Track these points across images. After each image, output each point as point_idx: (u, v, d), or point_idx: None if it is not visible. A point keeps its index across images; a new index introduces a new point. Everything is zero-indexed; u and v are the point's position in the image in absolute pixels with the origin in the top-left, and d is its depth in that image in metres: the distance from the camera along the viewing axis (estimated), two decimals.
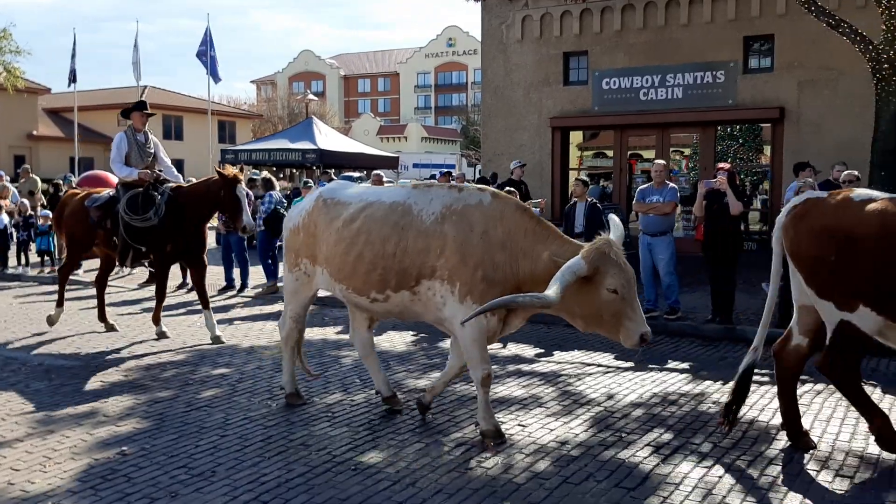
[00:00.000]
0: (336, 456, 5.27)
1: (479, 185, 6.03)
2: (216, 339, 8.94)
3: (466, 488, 4.72)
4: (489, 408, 5.60)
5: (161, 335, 9.10)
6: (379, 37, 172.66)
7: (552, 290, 4.77)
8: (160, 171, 9.23)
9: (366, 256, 5.62)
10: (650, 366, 7.97)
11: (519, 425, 5.98)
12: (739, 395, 5.59)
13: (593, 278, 4.91)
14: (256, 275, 13.54)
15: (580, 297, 4.98)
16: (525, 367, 7.84)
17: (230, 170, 8.80)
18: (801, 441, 5.43)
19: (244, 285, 13.19)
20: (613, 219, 5.75)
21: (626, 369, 7.85)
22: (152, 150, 9.27)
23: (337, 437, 5.65)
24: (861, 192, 5.36)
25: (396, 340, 9.35)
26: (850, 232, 5.02)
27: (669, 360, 8.34)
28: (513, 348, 8.87)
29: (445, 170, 24.98)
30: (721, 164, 10.80)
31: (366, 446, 5.48)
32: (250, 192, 11.59)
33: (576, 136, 20.08)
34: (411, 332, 9.68)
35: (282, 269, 6.85)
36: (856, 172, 11.58)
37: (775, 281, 5.59)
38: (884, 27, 11.69)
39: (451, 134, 78.51)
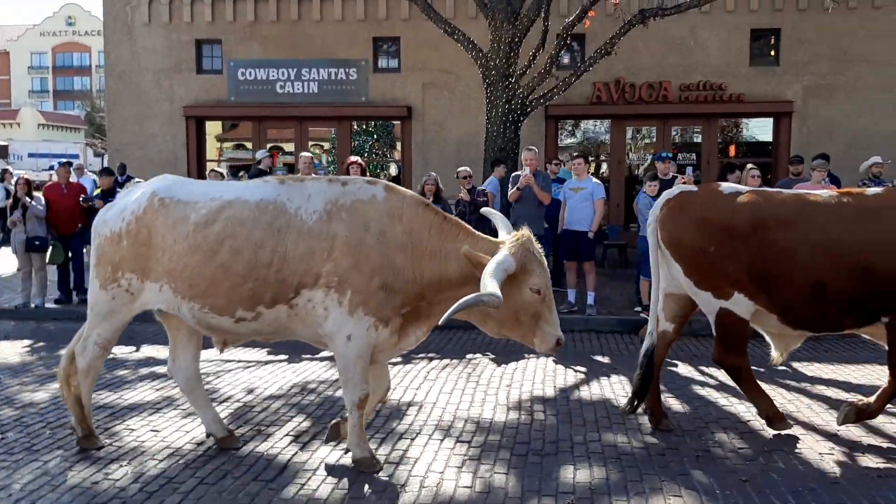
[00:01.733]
0: None
1: (369, 178, 5.18)
2: None
3: None
4: (363, 433, 4.94)
5: None
6: None
7: (490, 284, 4.24)
8: None
9: (232, 267, 4.63)
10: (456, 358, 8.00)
11: (152, 430, 5.63)
12: (645, 381, 5.67)
13: (517, 276, 4.48)
14: None
15: None
16: (159, 370, 7.40)
17: None
18: (779, 424, 5.52)
19: None
20: (498, 214, 5.54)
21: (266, 363, 7.80)
22: None
23: None
24: (727, 185, 5.74)
25: (8, 351, 8.26)
26: (727, 222, 5.31)
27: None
28: (146, 350, 8.35)
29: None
30: (352, 158, 11.20)
31: None
32: None
33: (214, 127, 19.48)
34: (26, 341, 8.62)
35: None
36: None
37: (656, 269, 5.71)
38: (491, 37, 13.05)
39: (73, 121, 71.64)
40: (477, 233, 4.85)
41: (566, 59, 17.61)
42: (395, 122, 18.75)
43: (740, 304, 5.34)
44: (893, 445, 5.33)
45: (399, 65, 17.99)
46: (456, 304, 4.27)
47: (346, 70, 17.93)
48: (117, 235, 4.93)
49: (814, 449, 5.26)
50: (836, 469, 4.89)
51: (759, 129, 18.25)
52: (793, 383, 7.02)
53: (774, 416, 5.54)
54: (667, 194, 5.71)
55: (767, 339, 5.85)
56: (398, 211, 4.72)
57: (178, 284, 4.75)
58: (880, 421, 5.67)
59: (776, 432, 5.56)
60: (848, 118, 16.64)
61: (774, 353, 5.86)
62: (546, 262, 4.70)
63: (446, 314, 4.30)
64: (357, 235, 4.61)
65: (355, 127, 19.10)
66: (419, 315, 4.81)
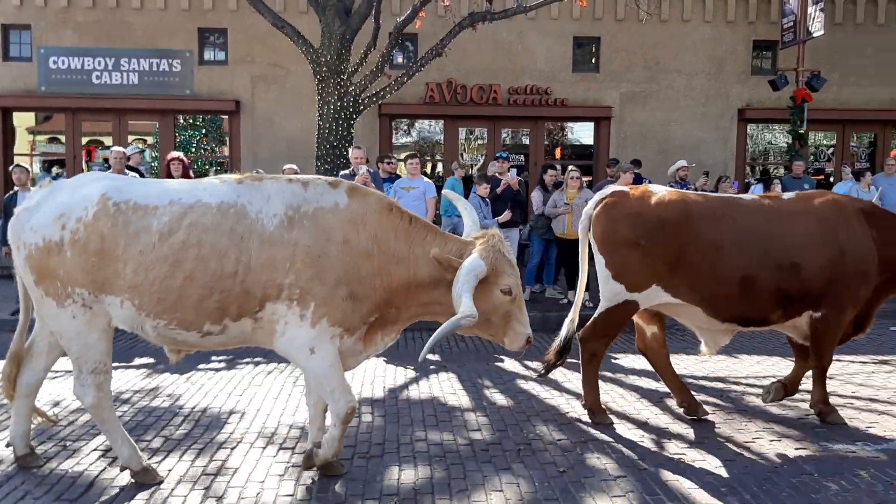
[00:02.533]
0: None
1: (332, 179, 4.74)
2: None
3: None
4: (340, 445, 4.69)
5: None
6: None
7: (465, 302, 4.14)
8: None
9: (198, 279, 4.22)
10: None
11: None
12: (559, 356, 6.01)
13: (488, 279, 4.37)
14: None
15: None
16: None
17: None
18: (600, 417, 5.85)
19: None
20: (462, 200, 5.44)
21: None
22: None
23: None
24: (655, 186, 6.05)
25: None
26: (659, 217, 5.61)
27: None
28: None
29: None
30: (173, 154, 10.66)
31: None
32: None
33: (25, 119, 18.00)
34: None
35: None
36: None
37: (585, 262, 5.97)
38: (322, 33, 12.86)
39: None
40: (445, 233, 4.73)
41: (400, 59, 17.70)
42: (223, 117, 18.10)
43: (650, 296, 5.71)
44: (694, 430, 5.71)
45: (226, 57, 17.37)
46: (435, 335, 4.19)
47: (170, 61, 17.11)
48: (55, 245, 4.27)
49: (626, 437, 5.54)
50: (645, 456, 5.17)
51: (582, 133, 19.14)
52: (608, 374, 7.37)
53: (596, 409, 5.91)
54: (601, 193, 5.99)
55: (697, 334, 6.13)
56: (361, 217, 4.48)
57: (144, 300, 4.26)
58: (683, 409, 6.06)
59: (595, 428, 5.80)
60: (660, 124, 17.79)
61: (704, 347, 6.13)
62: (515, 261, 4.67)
63: (426, 348, 4.21)
64: (320, 246, 4.34)
65: (181, 121, 18.27)
66: (386, 321, 4.64)
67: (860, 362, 7.81)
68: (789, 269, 5.56)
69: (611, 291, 5.79)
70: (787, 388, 6.13)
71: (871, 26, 17.99)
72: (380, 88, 13.53)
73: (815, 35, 15.06)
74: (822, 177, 17.86)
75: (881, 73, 17.91)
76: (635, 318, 6.08)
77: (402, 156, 15.31)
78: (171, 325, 4.31)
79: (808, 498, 4.48)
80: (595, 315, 5.92)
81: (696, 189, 12.19)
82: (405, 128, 19.09)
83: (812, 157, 18.34)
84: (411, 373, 7.46)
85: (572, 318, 6.06)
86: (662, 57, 17.83)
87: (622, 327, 5.99)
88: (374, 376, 7.27)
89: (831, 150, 18.92)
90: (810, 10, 15.05)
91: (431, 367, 7.73)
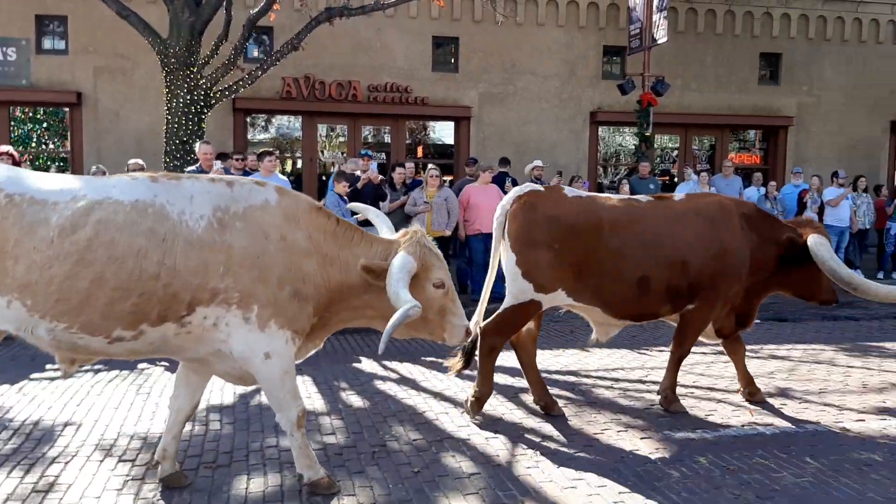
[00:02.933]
0: None
1: (256, 179, 4.59)
2: None
3: None
4: (311, 452, 4.47)
5: None
6: None
7: (403, 296, 4.10)
8: None
9: (110, 280, 3.84)
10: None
11: None
12: (467, 359, 6.06)
13: (418, 275, 4.33)
14: None
15: None
16: None
17: None
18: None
19: None
20: (371, 209, 5.31)
21: None
22: None
23: None
24: (568, 188, 6.12)
25: None
26: (571, 222, 5.72)
27: None
28: None
29: None
30: (2, 148, 9.85)
31: None
32: None
33: None
34: None
35: None
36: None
37: (495, 260, 5.95)
38: (170, 23, 12.29)
39: None
40: (370, 234, 4.61)
41: (255, 52, 17.23)
42: (64, 109, 16.97)
43: (555, 299, 5.85)
44: (547, 424, 5.81)
45: (66, 46, 16.31)
46: (388, 329, 4.11)
47: (4, 49, 15.87)
48: None
49: (481, 434, 5.57)
50: (500, 452, 5.21)
51: (443, 132, 19.30)
52: (465, 371, 7.41)
53: (484, 401, 5.99)
54: (517, 190, 5.98)
55: (591, 324, 6.32)
56: (294, 214, 4.31)
57: (38, 300, 3.83)
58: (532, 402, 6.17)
59: (451, 426, 5.82)
60: (517, 125, 18.19)
61: (593, 337, 6.36)
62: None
63: (382, 342, 4.16)
64: (257, 246, 4.12)
65: (19, 113, 17.00)
66: (315, 326, 4.44)
67: (701, 353, 8.23)
68: (680, 266, 5.87)
69: (518, 289, 5.80)
70: (745, 378, 6.54)
71: (710, 36, 19.13)
72: (233, 82, 13.08)
73: (659, 42, 15.79)
74: (666, 178, 18.83)
75: (719, 80, 19.09)
76: None
77: (259, 152, 14.84)
78: (73, 329, 3.91)
79: (652, 485, 4.64)
80: (500, 310, 5.91)
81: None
82: (262, 123, 18.59)
83: (658, 159, 19.29)
84: None
85: (476, 319, 5.92)
86: (518, 59, 18.23)
87: (524, 324, 6.01)
88: (223, 382, 6.96)
89: (675, 152, 19.98)
90: (655, 17, 15.76)
91: None
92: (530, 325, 6.16)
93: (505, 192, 11.90)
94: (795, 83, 19.51)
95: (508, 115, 18.20)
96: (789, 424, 5.88)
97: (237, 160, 10.86)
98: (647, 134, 15.75)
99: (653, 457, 5.13)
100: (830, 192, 14.19)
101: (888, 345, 8.87)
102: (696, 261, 5.90)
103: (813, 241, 6.02)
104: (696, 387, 6.92)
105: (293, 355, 4.29)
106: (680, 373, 7.28)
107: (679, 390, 6.63)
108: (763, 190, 14.36)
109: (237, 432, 5.60)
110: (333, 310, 4.45)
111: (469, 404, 5.96)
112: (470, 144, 18.02)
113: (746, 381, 6.54)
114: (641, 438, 5.51)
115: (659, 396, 6.27)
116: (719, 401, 6.48)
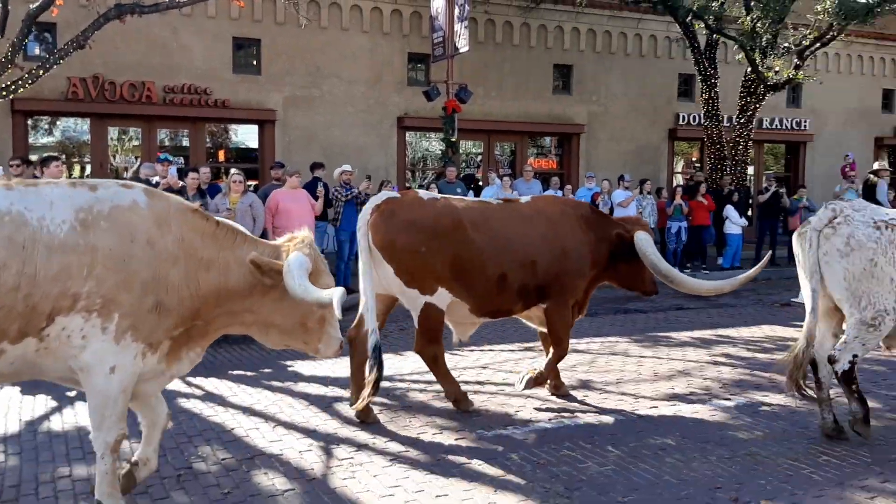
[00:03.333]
0: None
1: (123, 181, 4.25)
2: None
3: None
4: (116, 479, 4.08)
5: None
6: None
7: (312, 289, 4.04)
8: None
9: None
10: None
11: None
12: (380, 373, 5.54)
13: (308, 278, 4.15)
14: None
15: (284, 304, 4.17)
16: None
17: None
18: (464, 404, 6.22)
19: None
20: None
21: None
22: None
23: None
24: (424, 192, 6.31)
25: None
26: (432, 224, 5.89)
27: None
28: None
29: None
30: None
31: None
32: None
33: None
34: None
35: None
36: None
37: (367, 271, 5.77)
38: None
39: None
40: (254, 237, 4.44)
41: (37, 50, 15.87)
42: None
43: (442, 298, 5.98)
44: (362, 432, 5.74)
45: None
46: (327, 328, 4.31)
47: None
48: None
49: (294, 448, 5.40)
50: (314, 465, 5.07)
51: (246, 135, 18.71)
52: (276, 382, 7.19)
53: (460, 398, 6.23)
54: (374, 200, 6.06)
55: (450, 326, 6.44)
56: (164, 217, 4.03)
57: None
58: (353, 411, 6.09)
59: (262, 442, 5.60)
60: (323, 129, 18.00)
61: (455, 338, 6.60)
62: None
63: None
64: (123, 248, 3.85)
65: None
66: (192, 335, 4.20)
67: (509, 350, 8.50)
68: (530, 265, 6.22)
69: (409, 298, 5.95)
70: (539, 378, 6.68)
71: (508, 46, 19.93)
72: (11, 82, 11.94)
73: (461, 51, 16.22)
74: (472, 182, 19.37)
75: (518, 89, 19.93)
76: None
77: (42, 158, 13.64)
78: None
79: (467, 485, 4.70)
80: (416, 325, 6.08)
81: (359, 192, 12.47)
82: (45, 127, 17.13)
83: (463, 164, 19.83)
84: (53, 401, 6.59)
85: (372, 328, 5.66)
86: (324, 63, 18.05)
87: (440, 325, 6.10)
88: (7, 408, 6.32)
89: (480, 157, 20.63)
90: (457, 27, 16.18)
91: (74, 393, 6.91)
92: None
93: (316, 198, 11.76)
94: (585, 93, 20.78)
95: (315, 118, 17.97)
96: (592, 415, 6.19)
97: (15, 166, 9.88)
98: (453, 139, 16.13)
99: (468, 457, 5.20)
100: (619, 194, 15.20)
101: (673, 334, 9.61)
102: (543, 261, 6.27)
103: (639, 238, 6.56)
104: (507, 384, 7.13)
105: (137, 373, 3.99)
106: (490, 371, 7.49)
107: (490, 388, 6.83)
108: (560, 193, 15.14)
109: (24, 463, 5.08)
110: (211, 317, 4.21)
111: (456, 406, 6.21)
112: (275, 148, 17.60)
113: (554, 374, 6.82)
114: (456, 439, 5.58)
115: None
116: (528, 396, 6.70)
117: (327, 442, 5.53)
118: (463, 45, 16.10)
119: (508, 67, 19.85)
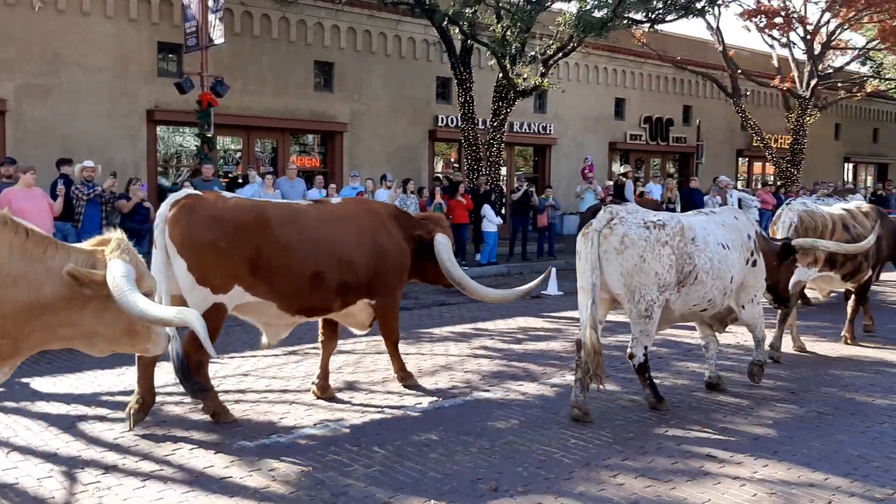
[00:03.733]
0: None
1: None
2: None
3: None
4: None
5: None
6: None
7: (145, 304, 3.77)
8: None
9: None
10: None
11: None
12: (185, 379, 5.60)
13: None
14: None
15: (108, 313, 3.89)
16: None
17: None
18: (224, 416, 5.96)
19: None
20: None
21: None
22: None
23: None
24: (226, 193, 6.29)
25: None
26: (236, 220, 5.78)
27: None
28: None
29: None
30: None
31: None
32: None
33: None
34: None
35: None
36: None
37: (164, 273, 5.59)
38: None
39: None
40: (65, 244, 4.07)
41: None
42: None
43: (234, 297, 5.85)
44: (108, 454, 5.29)
45: None
46: (201, 336, 3.91)
47: None
48: None
49: (32, 475, 4.88)
50: (56, 493, 4.60)
51: None
52: (10, 403, 6.44)
53: (219, 410, 5.96)
54: (174, 196, 5.88)
55: (260, 328, 6.45)
56: None
57: None
58: (99, 430, 5.60)
59: (1, 469, 4.97)
60: (63, 121, 16.43)
61: (265, 340, 6.54)
62: None
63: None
64: None
65: None
66: (3, 354, 3.85)
67: (273, 355, 8.27)
68: (347, 264, 6.31)
69: (197, 297, 5.69)
70: (323, 376, 6.77)
71: (267, 40, 19.41)
72: None
73: (216, 43, 15.53)
74: (227, 179, 18.71)
75: (278, 84, 19.49)
76: None
77: None
78: None
79: (228, 500, 4.49)
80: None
81: (103, 190, 11.55)
82: None
83: (221, 161, 19.06)
84: None
85: (172, 333, 5.33)
86: (62, 49, 16.47)
87: (219, 330, 5.88)
88: None
89: (239, 154, 19.93)
90: (210, 17, 15.46)
91: None
92: None
93: (55, 197, 10.71)
94: (347, 91, 20.80)
95: (53, 110, 16.34)
96: (358, 417, 6.17)
97: None
98: (209, 135, 15.42)
99: (229, 471, 4.97)
100: (381, 194, 15.39)
101: (436, 330, 9.89)
102: (360, 259, 6.41)
103: (438, 242, 6.93)
104: (270, 390, 6.92)
105: None
106: (253, 378, 7.28)
107: (252, 397, 6.60)
108: (324, 192, 15.05)
109: None
110: (21, 334, 3.87)
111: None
112: (6, 143, 15.80)
113: (325, 375, 6.76)
114: (217, 453, 5.31)
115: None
116: (292, 402, 6.55)
117: (70, 466, 5.04)
118: (218, 36, 15.43)
119: (268, 62, 19.36)
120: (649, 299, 5.98)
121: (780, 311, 8.10)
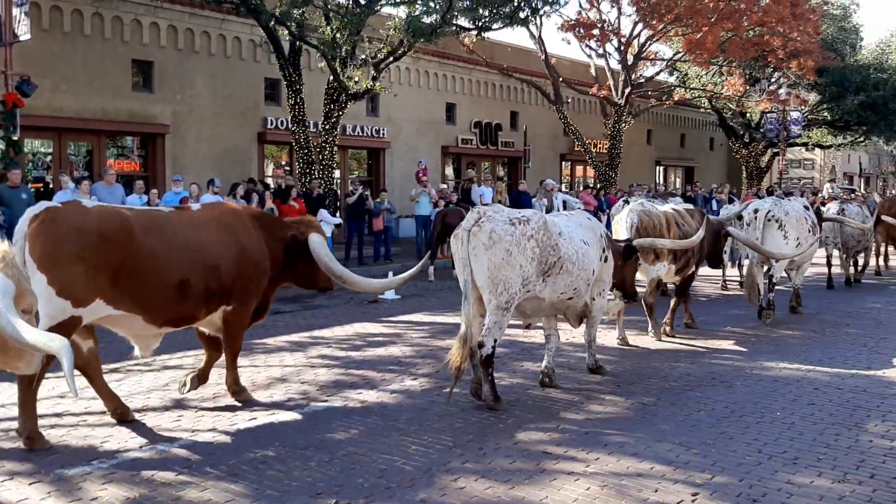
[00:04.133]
0: None
1: None
2: None
3: None
4: None
5: None
6: None
7: (18, 325, 3.64)
8: None
9: None
10: None
11: None
12: None
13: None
14: None
15: None
16: None
17: None
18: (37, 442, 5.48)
19: None
20: None
21: None
22: None
23: None
24: (87, 201, 6.25)
25: None
26: (99, 231, 5.58)
27: None
28: None
29: None
30: None
31: None
32: None
33: None
34: None
35: None
36: None
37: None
38: None
39: None
40: None
41: None
42: None
43: (95, 311, 5.63)
44: None
45: None
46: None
47: None
48: None
49: None
50: None
51: None
52: None
53: (34, 436, 5.51)
54: (33, 210, 5.64)
55: (131, 341, 6.32)
56: None
57: None
58: None
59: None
60: None
61: (137, 352, 6.41)
62: None
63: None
64: None
65: None
66: None
67: (111, 370, 7.68)
68: (212, 269, 6.19)
69: (55, 309, 5.44)
70: (201, 378, 6.81)
71: (79, 37, 18.13)
72: None
73: (22, 39, 14.33)
74: (41, 185, 17.40)
75: (92, 84, 18.26)
76: (74, 336, 5.59)
77: None
78: None
79: None
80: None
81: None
82: None
83: (30, 165, 17.63)
84: None
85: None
86: None
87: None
88: None
89: (49, 157, 18.49)
90: (15, 12, 14.25)
91: None
92: (90, 343, 6.05)
93: None
94: (169, 91, 19.81)
95: None
96: (189, 436, 5.85)
97: None
98: (15, 138, 14.20)
99: (46, 503, 4.56)
100: (207, 198, 14.75)
101: (270, 340, 9.58)
102: (225, 265, 6.29)
103: (312, 240, 6.78)
104: (89, 413, 6.43)
105: None
106: (69, 400, 6.80)
107: (70, 420, 6.12)
108: (146, 198, 14.25)
109: None
110: None
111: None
112: None
113: (201, 380, 6.81)
114: (31, 483, 4.86)
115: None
116: (115, 424, 6.11)
117: None
118: (24, 32, 14.25)
119: (80, 60, 18.09)
120: (512, 292, 6.37)
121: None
